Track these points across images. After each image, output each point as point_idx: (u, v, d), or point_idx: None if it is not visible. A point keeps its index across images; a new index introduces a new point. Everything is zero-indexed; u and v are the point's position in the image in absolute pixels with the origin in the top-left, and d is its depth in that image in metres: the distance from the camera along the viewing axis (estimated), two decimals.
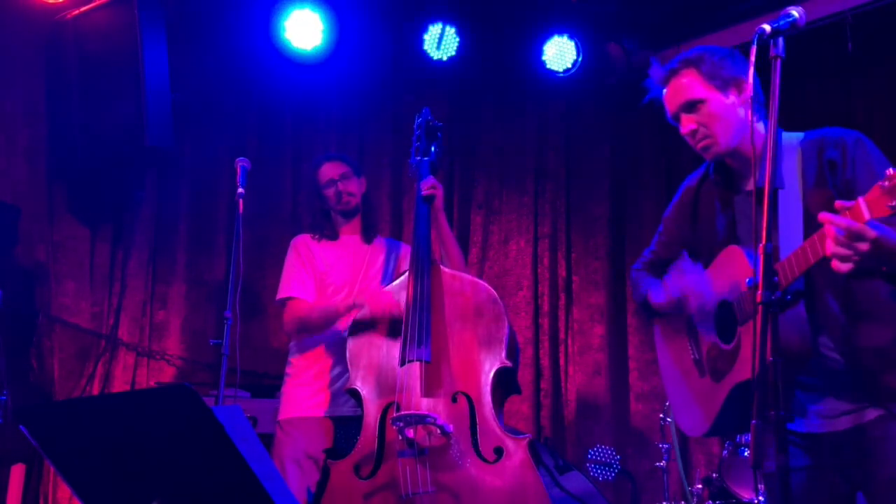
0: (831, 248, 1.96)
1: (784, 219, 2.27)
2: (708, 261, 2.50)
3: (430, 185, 3.68)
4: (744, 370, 2.27)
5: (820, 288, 2.25)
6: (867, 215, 1.89)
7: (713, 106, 2.40)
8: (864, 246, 1.93)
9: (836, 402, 2.28)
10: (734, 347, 2.34)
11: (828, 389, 2.28)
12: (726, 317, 2.39)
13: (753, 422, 1.88)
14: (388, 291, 3.54)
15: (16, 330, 4.53)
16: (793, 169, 2.32)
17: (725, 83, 2.40)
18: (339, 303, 3.66)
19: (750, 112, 2.23)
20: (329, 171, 3.95)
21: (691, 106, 2.43)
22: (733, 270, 2.33)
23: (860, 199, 1.91)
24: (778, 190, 2.28)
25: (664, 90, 2.52)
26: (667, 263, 2.63)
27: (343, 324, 3.72)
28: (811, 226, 2.19)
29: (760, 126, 2.35)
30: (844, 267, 1.96)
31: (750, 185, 2.41)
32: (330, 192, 3.93)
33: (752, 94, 2.15)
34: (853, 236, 1.92)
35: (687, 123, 2.45)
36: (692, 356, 2.55)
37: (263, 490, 1.94)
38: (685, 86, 2.44)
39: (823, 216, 1.96)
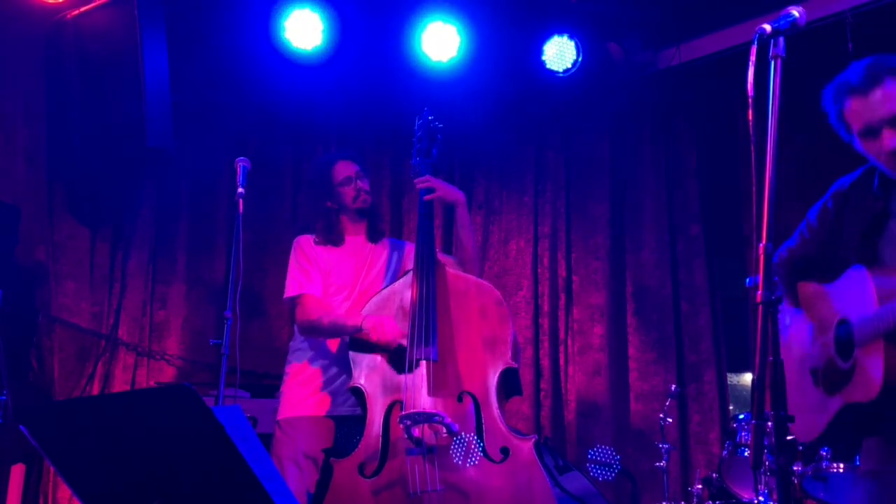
0: None
1: None
2: (841, 268, 2.47)
3: (426, 188, 3.70)
4: (856, 392, 2.31)
5: None
6: None
7: None
8: None
9: None
10: (850, 367, 2.35)
11: None
12: (845, 334, 2.41)
13: (753, 422, 1.88)
14: (392, 321, 3.51)
15: (16, 330, 4.52)
16: None
17: None
18: (347, 321, 3.60)
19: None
20: (345, 168, 3.91)
21: None
22: (857, 291, 2.35)
23: None
24: None
25: (860, 96, 2.37)
26: (806, 261, 2.62)
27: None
28: None
29: None
30: None
31: None
32: (348, 189, 3.88)
33: (751, 94, 2.14)
34: None
35: (892, 138, 2.32)
36: (811, 364, 2.53)
37: (263, 490, 1.94)
38: (893, 96, 2.30)
39: None
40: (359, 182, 3.89)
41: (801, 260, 2.66)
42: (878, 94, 2.33)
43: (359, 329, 3.50)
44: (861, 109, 2.36)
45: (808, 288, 2.61)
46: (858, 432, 2.41)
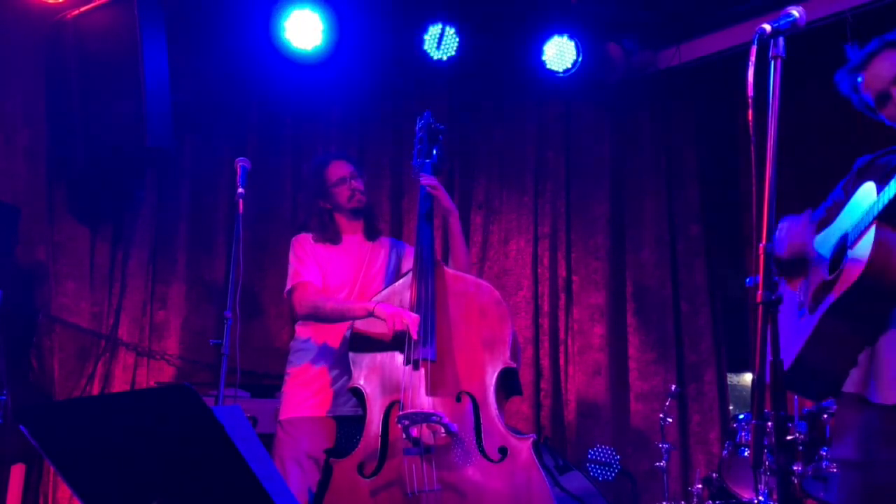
0: None
1: None
2: None
3: (430, 185, 3.72)
4: (840, 287, 2.24)
5: None
6: None
7: None
8: None
9: None
10: (836, 274, 2.31)
11: None
12: (840, 246, 2.38)
13: (753, 422, 1.88)
14: (406, 310, 3.50)
15: (16, 330, 4.52)
16: None
17: None
18: (356, 306, 3.61)
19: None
20: (339, 169, 3.93)
21: None
22: (860, 202, 2.34)
23: None
24: None
25: (864, 71, 2.51)
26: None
27: (345, 323, 3.73)
28: None
29: None
30: None
31: None
32: (342, 189, 3.89)
33: (751, 94, 2.14)
34: None
35: None
36: (798, 300, 2.50)
37: (263, 490, 1.94)
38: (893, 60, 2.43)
39: None
40: (353, 182, 3.90)
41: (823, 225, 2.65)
42: (878, 63, 2.47)
43: (370, 313, 3.50)
44: (869, 81, 2.49)
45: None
46: (837, 347, 2.31)
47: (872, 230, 2.20)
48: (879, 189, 2.31)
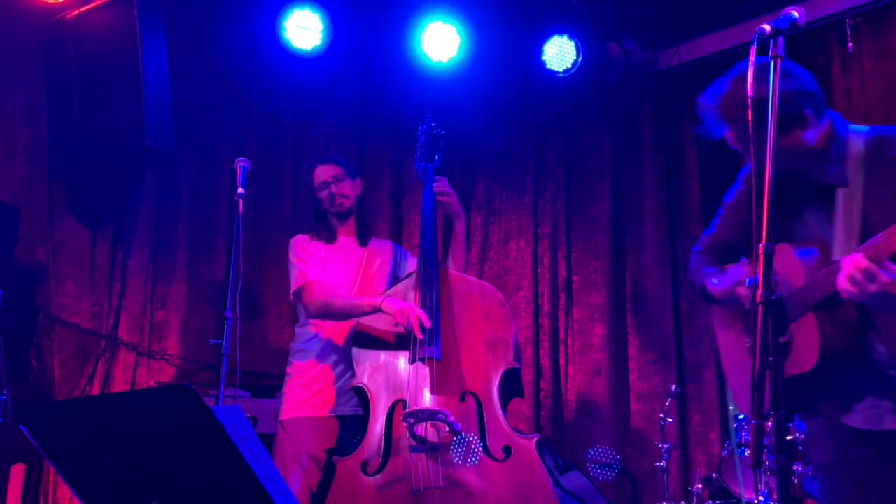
0: (842, 283, 2.07)
1: (842, 218, 2.30)
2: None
3: (443, 192, 3.76)
4: (795, 365, 2.30)
5: None
6: None
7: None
8: (873, 287, 2.03)
9: (880, 400, 2.28)
10: (787, 341, 2.35)
11: (872, 388, 2.29)
12: (778, 311, 2.40)
13: (753, 422, 1.88)
14: (414, 304, 3.52)
15: (16, 330, 4.52)
16: (856, 166, 2.33)
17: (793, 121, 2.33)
18: (364, 301, 3.65)
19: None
20: (322, 173, 3.98)
21: None
22: (784, 268, 2.35)
23: None
24: (839, 188, 2.33)
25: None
26: (728, 247, 2.66)
27: (345, 323, 3.75)
28: (869, 227, 2.24)
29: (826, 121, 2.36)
30: (851, 297, 2.09)
31: (821, 180, 2.40)
32: (323, 194, 3.96)
33: (751, 94, 2.14)
34: (867, 276, 2.02)
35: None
36: (747, 344, 2.55)
37: (263, 490, 1.94)
38: None
39: (845, 259, 2.06)
40: (334, 186, 3.95)
41: (724, 246, 2.69)
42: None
43: (378, 308, 3.53)
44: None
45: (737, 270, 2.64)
46: (803, 403, 2.41)
47: (814, 321, 2.26)
48: (798, 252, 2.33)
